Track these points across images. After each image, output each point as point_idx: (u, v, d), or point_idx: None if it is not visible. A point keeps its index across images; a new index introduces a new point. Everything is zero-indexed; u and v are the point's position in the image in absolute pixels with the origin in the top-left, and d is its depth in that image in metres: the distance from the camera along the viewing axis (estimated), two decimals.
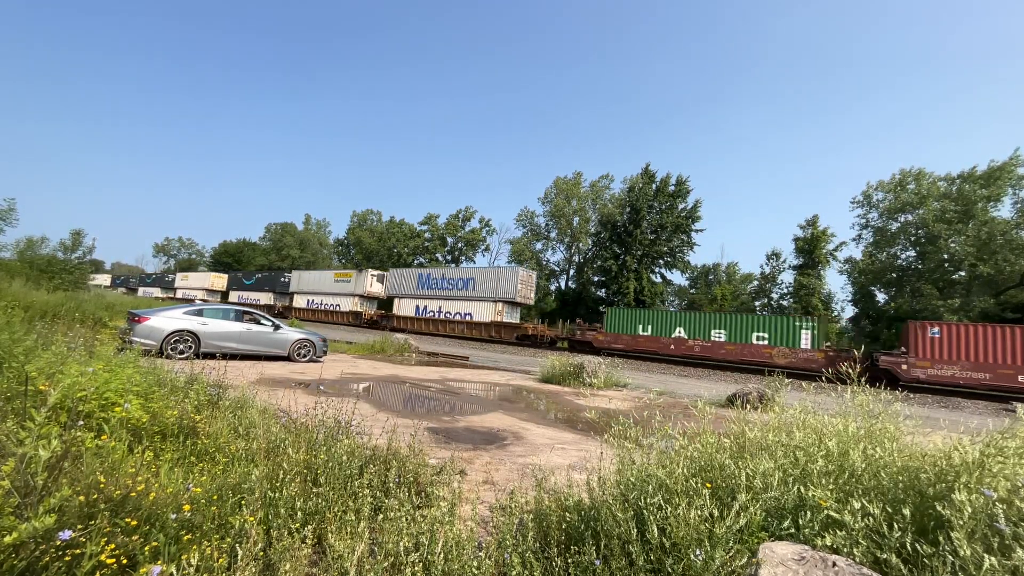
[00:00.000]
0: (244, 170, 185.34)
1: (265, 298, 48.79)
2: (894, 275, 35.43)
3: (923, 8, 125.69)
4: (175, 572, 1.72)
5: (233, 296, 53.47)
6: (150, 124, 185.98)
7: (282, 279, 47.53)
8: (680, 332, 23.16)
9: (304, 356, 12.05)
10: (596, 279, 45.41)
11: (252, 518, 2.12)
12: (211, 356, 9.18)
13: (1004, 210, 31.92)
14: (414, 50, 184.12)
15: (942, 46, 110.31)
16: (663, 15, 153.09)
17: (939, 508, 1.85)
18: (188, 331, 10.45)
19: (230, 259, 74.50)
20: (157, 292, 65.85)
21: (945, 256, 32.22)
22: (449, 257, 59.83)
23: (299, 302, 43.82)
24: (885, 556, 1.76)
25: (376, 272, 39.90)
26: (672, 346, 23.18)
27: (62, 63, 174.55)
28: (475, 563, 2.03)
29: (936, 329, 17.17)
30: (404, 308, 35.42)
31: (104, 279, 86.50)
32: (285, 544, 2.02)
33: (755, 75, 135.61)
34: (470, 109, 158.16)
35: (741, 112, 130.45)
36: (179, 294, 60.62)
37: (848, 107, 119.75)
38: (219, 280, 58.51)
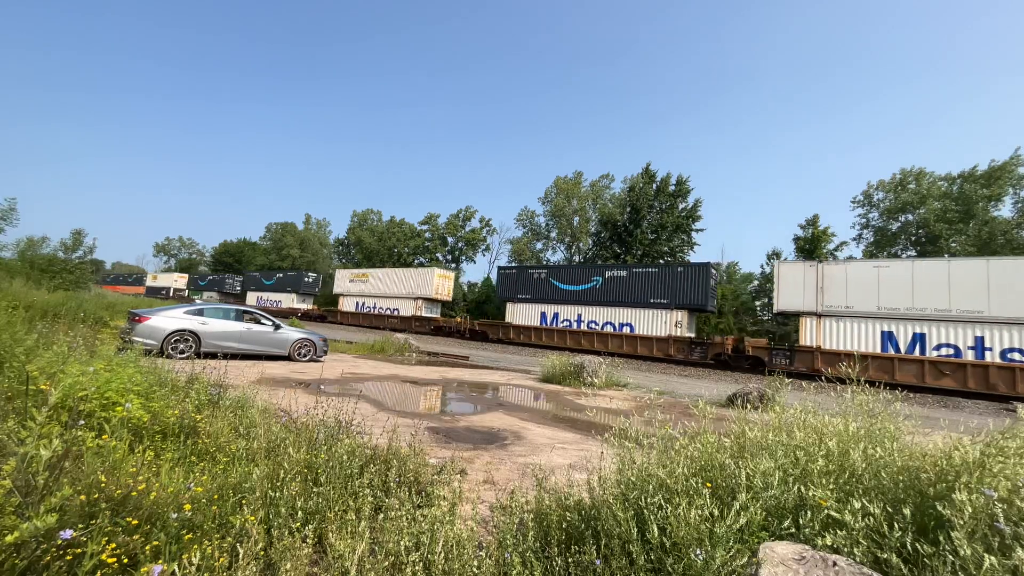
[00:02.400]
0: (244, 171, 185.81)
1: (665, 319, 22.03)
2: None
3: (925, 9, 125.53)
4: (176, 571, 1.73)
5: (536, 313, 26.44)
6: (151, 126, 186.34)
7: (713, 282, 22.78)
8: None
9: (305, 356, 12.06)
10: None
11: (253, 517, 2.12)
12: (212, 356, 9.19)
13: (1005, 210, 31.94)
14: (416, 52, 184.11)
15: (944, 47, 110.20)
16: (664, 16, 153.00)
17: (939, 508, 1.85)
18: (189, 331, 10.46)
19: (230, 259, 74.27)
20: (291, 301, 43.97)
21: (946, 256, 32.22)
22: (450, 257, 59.80)
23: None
24: (885, 556, 1.76)
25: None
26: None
27: (63, 66, 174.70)
28: (476, 563, 2.04)
29: None
30: None
31: (173, 279, 63.21)
32: (286, 543, 2.02)
33: (756, 76, 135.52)
34: (471, 110, 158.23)
35: (742, 112, 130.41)
36: (350, 305, 37.62)
37: (849, 107, 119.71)
38: (446, 281, 34.40)
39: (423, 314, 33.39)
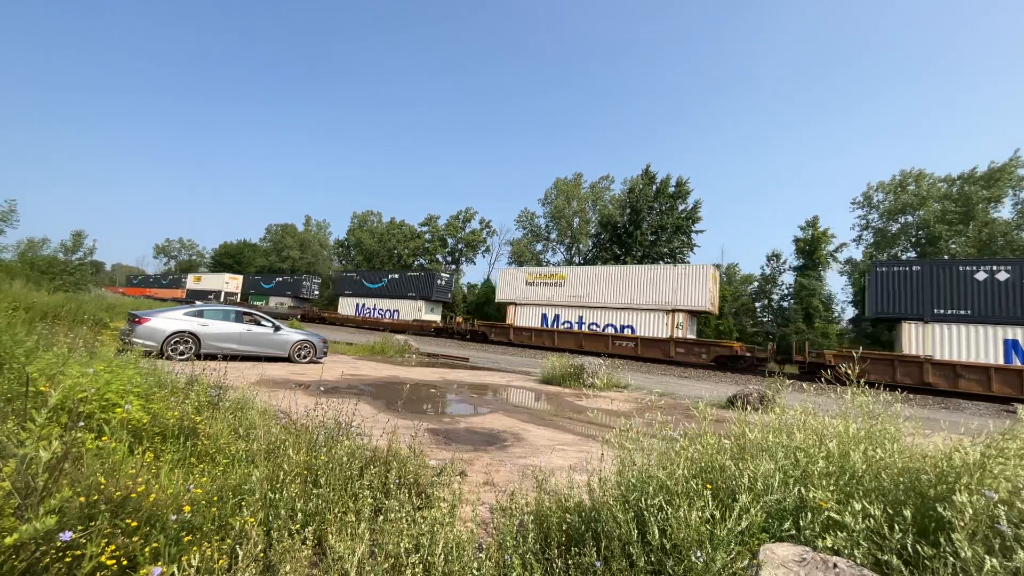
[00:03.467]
0: (244, 171, 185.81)
1: None
2: None
3: (925, 9, 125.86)
4: (176, 573, 1.72)
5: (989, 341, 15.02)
6: (151, 126, 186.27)
7: None
8: None
9: (304, 357, 12.06)
10: None
11: (252, 519, 2.12)
12: (212, 357, 9.18)
13: (1005, 211, 32.02)
14: (415, 53, 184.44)
15: (944, 47, 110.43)
16: (664, 16, 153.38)
17: (940, 509, 1.85)
18: (188, 332, 10.45)
19: (230, 260, 74.26)
20: (416, 310, 33.93)
21: (946, 257, 32.27)
22: (450, 258, 59.82)
23: None
24: (886, 558, 1.76)
25: None
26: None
27: (63, 66, 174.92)
28: (475, 564, 2.03)
29: None
30: None
31: (224, 281, 51.60)
32: (285, 545, 2.02)
33: (756, 76, 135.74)
34: (471, 110, 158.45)
35: (742, 113, 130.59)
36: (529, 318, 27.13)
37: (849, 108, 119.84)
38: (716, 284, 22.91)
39: (688, 334, 21.67)
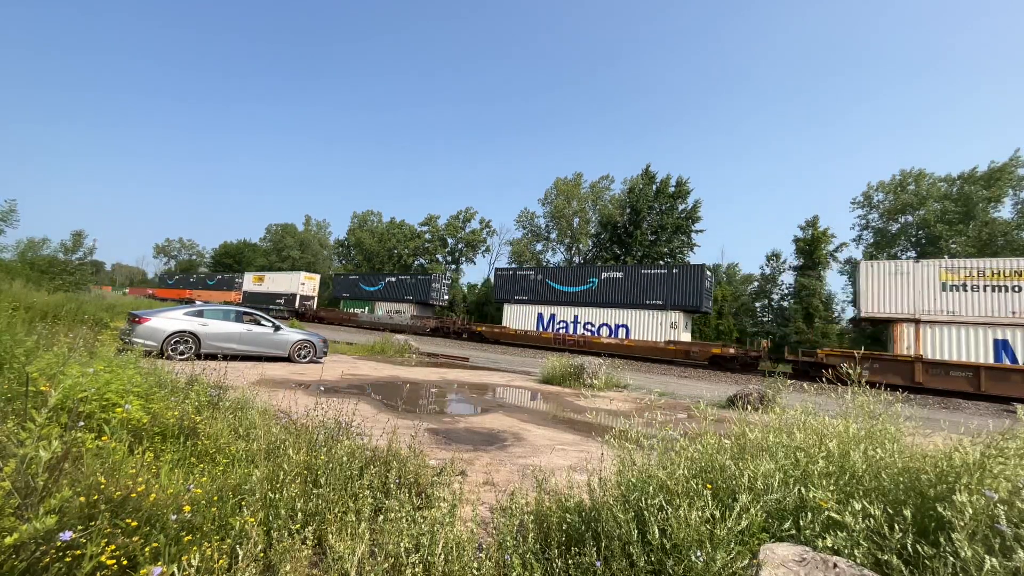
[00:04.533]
0: (244, 171, 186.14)
1: None
2: None
3: (925, 10, 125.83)
4: (176, 573, 1.72)
5: None
6: (151, 126, 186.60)
7: None
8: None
9: (304, 357, 12.06)
10: None
11: (252, 519, 2.12)
12: (212, 357, 9.19)
13: (1005, 211, 32.04)
14: (415, 53, 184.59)
15: (944, 47, 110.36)
16: (663, 17, 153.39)
17: (940, 509, 1.85)
18: (188, 332, 10.46)
19: (231, 260, 74.16)
20: (664, 325, 21.63)
21: (946, 257, 32.29)
22: (450, 258, 59.79)
23: None
24: (886, 557, 1.76)
25: None
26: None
27: (63, 66, 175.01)
28: (475, 564, 2.03)
29: None
30: None
31: (299, 282, 40.89)
32: (285, 545, 2.02)
33: (757, 77, 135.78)
34: (471, 110, 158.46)
35: (742, 113, 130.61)
36: (952, 344, 15.30)
37: (849, 108, 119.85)
38: None
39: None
